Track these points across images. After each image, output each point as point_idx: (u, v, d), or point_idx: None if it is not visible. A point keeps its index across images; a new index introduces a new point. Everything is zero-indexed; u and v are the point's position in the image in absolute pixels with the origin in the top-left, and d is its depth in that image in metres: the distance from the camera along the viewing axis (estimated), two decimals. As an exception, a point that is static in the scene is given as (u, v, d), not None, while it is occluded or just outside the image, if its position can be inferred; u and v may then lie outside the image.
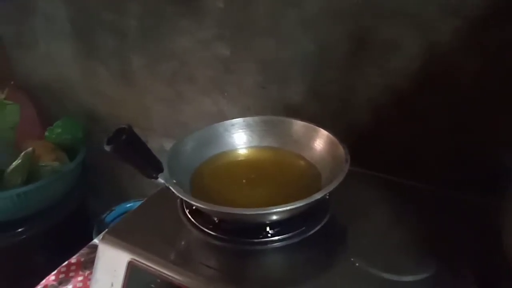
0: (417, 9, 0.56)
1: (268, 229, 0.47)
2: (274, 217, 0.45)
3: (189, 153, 0.57)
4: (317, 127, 0.57)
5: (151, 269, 0.45)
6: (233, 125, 0.61)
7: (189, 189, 0.52)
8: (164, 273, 0.44)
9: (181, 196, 0.46)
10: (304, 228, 0.48)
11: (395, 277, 0.41)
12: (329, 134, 0.55)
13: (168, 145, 0.96)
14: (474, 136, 0.59)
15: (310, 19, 0.65)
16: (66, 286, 0.65)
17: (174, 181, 0.48)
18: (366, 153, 0.62)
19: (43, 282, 0.65)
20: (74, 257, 0.71)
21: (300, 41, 0.68)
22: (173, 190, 0.47)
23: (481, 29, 0.53)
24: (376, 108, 0.65)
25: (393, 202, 0.53)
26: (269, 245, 0.46)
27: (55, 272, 0.67)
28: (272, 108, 0.76)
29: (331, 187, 0.44)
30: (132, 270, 0.46)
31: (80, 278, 0.67)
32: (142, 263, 0.45)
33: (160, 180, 0.48)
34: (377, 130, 0.66)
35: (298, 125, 0.59)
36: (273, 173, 0.56)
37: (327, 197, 0.51)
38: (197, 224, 0.50)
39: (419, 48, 0.58)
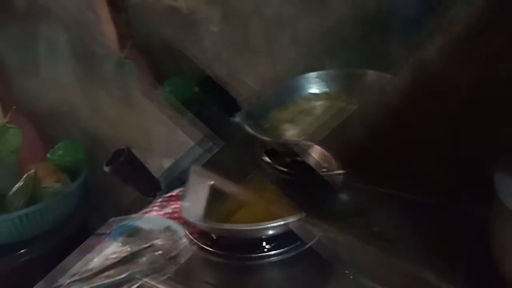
0: (406, 27, 0.58)
1: (264, 244, 0.48)
2: (270, 232, 0.46)
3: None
4: (310, 143, 0.58)
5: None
6: None
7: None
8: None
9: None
10: (300, 242, 0.49)
11: (389, 289, 0.42)
12: (322, 150, 0.56)
13: (167, 164, 0.97)
14: (471, 144, 0.59)
15: (304, 39, 0.67)
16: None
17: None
18: (363, 167, 0.63)
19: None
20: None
21: (295, 60, 0.69)
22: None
23: (472, 42, 0.55)
24: (372, 123, 0.66)
25: (388, 214, 0.54)
26: (266, 260, 0.47)
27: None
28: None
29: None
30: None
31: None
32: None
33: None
34: (374, 143, 0.66)
35: (292, 142, 0.60)
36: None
37: (322, 211, 0.52)
38: (195, 240, 0.51)
39: (410, 64, 0.59)
